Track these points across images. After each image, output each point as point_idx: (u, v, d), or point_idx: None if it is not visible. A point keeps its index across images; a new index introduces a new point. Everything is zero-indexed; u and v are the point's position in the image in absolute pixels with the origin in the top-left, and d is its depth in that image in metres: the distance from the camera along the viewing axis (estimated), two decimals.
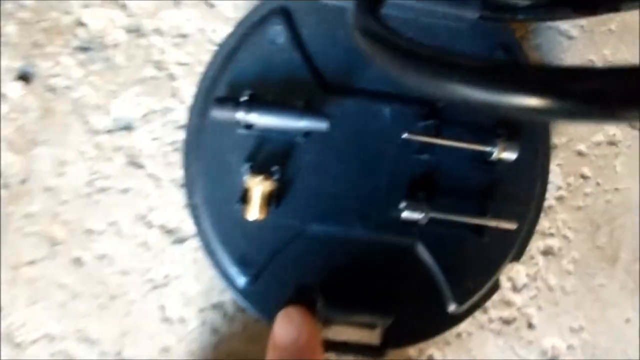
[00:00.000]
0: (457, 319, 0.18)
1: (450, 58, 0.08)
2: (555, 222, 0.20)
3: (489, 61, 0.09)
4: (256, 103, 0.15)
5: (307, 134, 0.16)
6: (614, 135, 0.21)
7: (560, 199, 0.20)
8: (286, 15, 0.16)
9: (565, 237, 0.20)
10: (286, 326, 0.14)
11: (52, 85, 0.18)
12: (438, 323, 0.18)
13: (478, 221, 0.16)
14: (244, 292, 0.17)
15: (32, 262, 0.18)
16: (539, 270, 0.20)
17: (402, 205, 0.16)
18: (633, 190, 0.21)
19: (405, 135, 0.16)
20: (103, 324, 0.19)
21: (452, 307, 0.17)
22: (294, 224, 0.17)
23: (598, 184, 0.20)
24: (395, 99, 0.16)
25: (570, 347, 0.21)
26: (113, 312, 0.19)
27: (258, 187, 0.16)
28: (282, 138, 0.16)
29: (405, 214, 0.16)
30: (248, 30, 0.17)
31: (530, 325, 0.20)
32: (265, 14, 0.16)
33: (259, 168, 0.16)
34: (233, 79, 0.17)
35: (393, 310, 0.17)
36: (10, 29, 0.18)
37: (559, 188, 0.20)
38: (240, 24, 0.17)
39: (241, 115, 0.15)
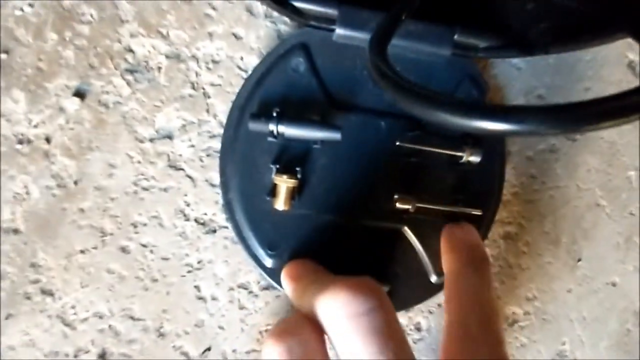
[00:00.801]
0: (438, 288, 0.22)
1: (434, 95, 0.13)
2: (512, 213, 0.25)
3: (456, 98, 0.13)
4: (284, 117, 0.19)
5: (322, 142, 0.20)
6: (554, 144, 0.26)
7: (515, 194, 0.25)
8: (305, 49, 0.21)
9: (520, 224, 0.25)
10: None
11: (104, 100, 0.22)
12: (424, 291, 0.22)
13: (452, 209, 0.21)
14: (271, 271, 0.21)
15: (84, 251, 0.21)
16: (501, 252, 0.25)
17: (396, 197, 0.21)
18: (570, 187, 0.26)
19: (398, 143, 0.20)
20: (145, 303, 0.22)
21: (434, 278, 0.22)
22: (311, 213, 0.21)
23: (543, 182, 0.26)
24: (389, 115, 0.21)
25: (526, 313, 0.26)
26: (154, 293, 0.22)
27: (284, 183, 0.20)
28: (302, 145, 0.20)
29: (398, 205, 0.20)
30: (275, 60, 0.21)
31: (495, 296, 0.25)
32: (289, 48, 0.21)
33: (284, 169, 0.20)
34: (262, 99, 0.21)
35: (389, 281, 0.21)
36: (68, 53, 0.21)
37: (514, 186, 0.25)
38: (268, 55, 0.21)
39: (272, 127, 0.19)
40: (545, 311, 0.26)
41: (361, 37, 0.20)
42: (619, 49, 0.27)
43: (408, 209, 0.20)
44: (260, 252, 0.21)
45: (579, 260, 0.26)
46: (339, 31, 0.20)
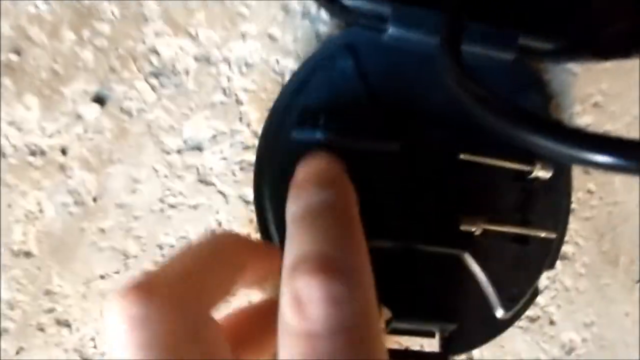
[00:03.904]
0: (505, 324, 0.20)
1: (528, 116, 0.11)
2: (569, 231, 0.23)
3: (557, 124, 0.11)
4: (332, 126, 0.17)
5: (372, 153, 0.18)
6: None
7: (571, 211, 0.23)
8: (353, 51, 0.19)
9: (577, 244, 0.23)
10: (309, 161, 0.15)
11: (126, 108, 0.19)
12: (488, 329, 0.20)
13: (523, 231, 0.18)
14: None
15: (104, 276, 0.19)
16: (557, 274, 0.23)
17: (460, 217, 0.18)
18: (628, 203, 0.24)
19: (461, 157, 0.18)
20: None
21: (500, 314, 0.19)
22: None
23: (601, 197, 0.24)
24: (449, 125, 0.19)
25: (584, 340, 0.24)
26: None
27: None
28: (348, 157, 0.18)
29: (463, 226, 0.18)
30: (318, 63, 0.19)
31: (551, 322, 0.23)
32: (334, 50, 0.19)
33: None
34: (304, 107, 0.18)
35: (450, 319, 0.19)
36: (87, 54, 0.19)
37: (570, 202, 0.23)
38: (310, 58, 0.19)
39: (320, 136, 0.17)
40: (603, 337, 0.24)
41: (415, 38, 0.18)
42: None
43: (473, 232, 0.18)
44: None
45: (638, 281, 0.24)
46: (392, 31, 0.18)
